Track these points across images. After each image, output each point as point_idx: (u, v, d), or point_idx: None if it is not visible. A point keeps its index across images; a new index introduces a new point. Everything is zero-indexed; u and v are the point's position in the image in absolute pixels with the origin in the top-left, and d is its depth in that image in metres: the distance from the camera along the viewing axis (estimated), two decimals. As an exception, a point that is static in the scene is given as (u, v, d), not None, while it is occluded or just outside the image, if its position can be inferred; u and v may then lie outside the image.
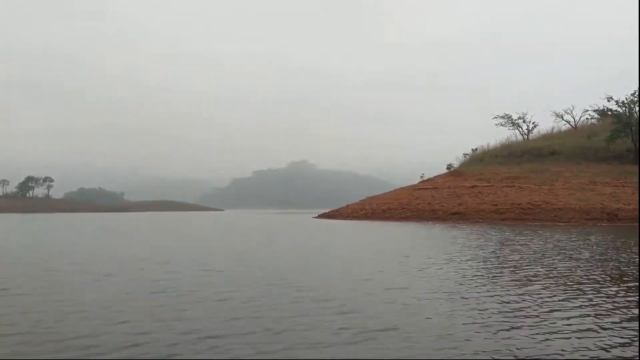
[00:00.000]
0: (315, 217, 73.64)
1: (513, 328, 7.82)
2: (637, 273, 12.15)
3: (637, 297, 9.74)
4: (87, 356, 6.42)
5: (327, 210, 76.74)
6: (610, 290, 10.98)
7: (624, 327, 7.87)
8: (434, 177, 69.07)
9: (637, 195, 45.82)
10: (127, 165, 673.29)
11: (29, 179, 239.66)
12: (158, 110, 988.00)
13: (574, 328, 7.81)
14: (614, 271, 14.08)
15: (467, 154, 75.67)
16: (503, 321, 8.29)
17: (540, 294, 10.66)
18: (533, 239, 26.09)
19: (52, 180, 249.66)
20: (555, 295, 10.51)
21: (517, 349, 6.76)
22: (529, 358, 6.38)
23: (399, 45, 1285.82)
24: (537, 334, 7.48)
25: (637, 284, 11.18)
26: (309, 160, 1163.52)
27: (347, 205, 72.11)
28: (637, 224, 20.55)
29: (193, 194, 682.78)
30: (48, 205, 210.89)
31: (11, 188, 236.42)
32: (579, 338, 7.24)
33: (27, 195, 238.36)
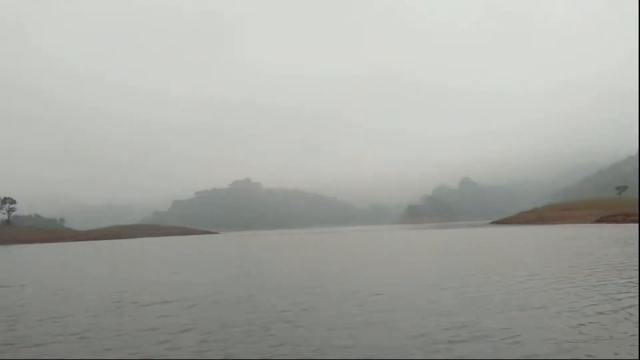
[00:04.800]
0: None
1: None
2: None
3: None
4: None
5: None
6: None
7: None
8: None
9: None
10: (58, 191, 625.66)
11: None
12: (88, 134, 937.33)
13: None
14: None
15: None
16: None
17: None
18: None
19: (13, 202, 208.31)
20: None
21: None
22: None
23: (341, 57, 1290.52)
24: None
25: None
26: (252, 179, 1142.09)
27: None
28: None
29: (132, 219, 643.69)
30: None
31: None
32: None
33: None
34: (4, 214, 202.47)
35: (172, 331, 12.70)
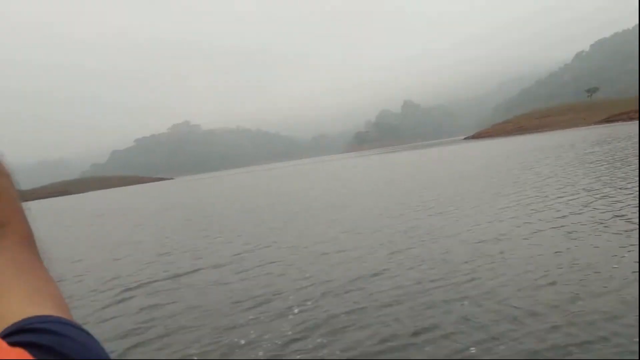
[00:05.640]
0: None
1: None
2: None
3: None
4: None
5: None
6: None
7: None
8: None
9: None
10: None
11: None
12: (13, 89, 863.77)
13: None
14: None
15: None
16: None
17: None
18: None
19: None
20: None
21: None
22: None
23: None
24: None
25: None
26: (191, 121, 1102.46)
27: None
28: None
29: (69, 174, 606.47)
30: None
31: None
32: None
33: None
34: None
35: None
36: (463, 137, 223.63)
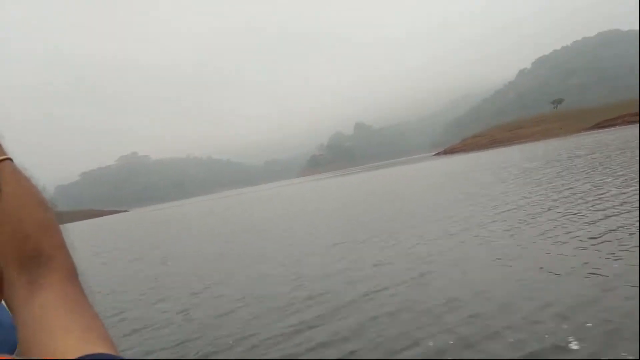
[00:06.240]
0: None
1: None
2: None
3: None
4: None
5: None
6: None
7: None
8: None
9: None
10: None
11: None
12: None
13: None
14: None
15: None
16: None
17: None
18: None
19: None
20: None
21: None
22: None
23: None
24: None
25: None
26: (139, 152, 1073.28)
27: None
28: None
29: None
30: None
31: None
32: None
33: None
34: None
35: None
36: (434, 152, 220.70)
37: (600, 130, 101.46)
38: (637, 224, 9.84)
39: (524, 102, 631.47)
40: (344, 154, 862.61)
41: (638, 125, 74.16)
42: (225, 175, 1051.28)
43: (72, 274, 0.74)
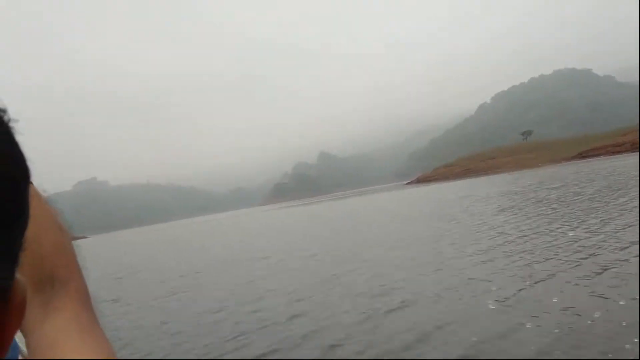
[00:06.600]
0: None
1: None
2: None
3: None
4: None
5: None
6: None
7: None
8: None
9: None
10: None
11: None
12: None
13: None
14: None
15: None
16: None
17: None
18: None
19: None
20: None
21: None
22: None
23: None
24: None
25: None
26: (98, 177, 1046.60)
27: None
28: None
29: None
30: None
31: None
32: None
33: None
34: None
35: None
36: (405, 182, 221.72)
37: (582, 160, 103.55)
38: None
39: (484, 136, 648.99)
40: (307, 182, 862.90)
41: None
42: (188, 201, 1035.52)
43: (85, 297, 0.75)
